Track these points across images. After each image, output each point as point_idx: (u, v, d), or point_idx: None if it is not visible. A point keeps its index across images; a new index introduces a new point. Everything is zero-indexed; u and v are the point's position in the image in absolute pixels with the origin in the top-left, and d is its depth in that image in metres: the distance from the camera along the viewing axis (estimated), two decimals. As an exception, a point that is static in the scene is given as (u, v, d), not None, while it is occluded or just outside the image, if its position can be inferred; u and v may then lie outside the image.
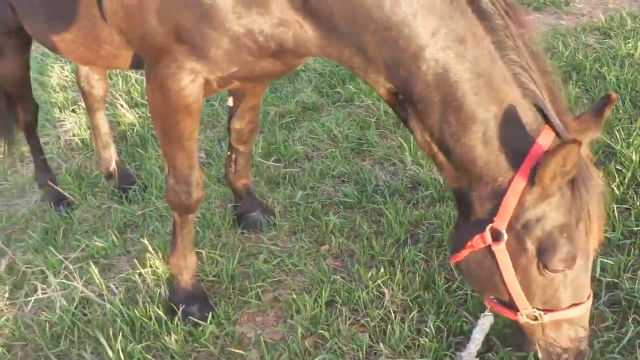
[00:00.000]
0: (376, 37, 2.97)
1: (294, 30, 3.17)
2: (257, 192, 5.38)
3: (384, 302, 4.15)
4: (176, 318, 4.20)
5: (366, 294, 4.20)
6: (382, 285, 4.25)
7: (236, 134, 4.77)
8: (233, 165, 4.95)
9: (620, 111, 5.65)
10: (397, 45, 2.93)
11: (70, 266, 4.76)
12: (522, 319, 3.18)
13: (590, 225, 3.05)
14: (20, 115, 5.70)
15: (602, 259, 4.14)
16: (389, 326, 3.96)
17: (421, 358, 3.73)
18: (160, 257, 4.74)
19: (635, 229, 4.38)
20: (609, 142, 5.15)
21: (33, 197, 6.22)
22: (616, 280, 4.03)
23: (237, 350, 4.01)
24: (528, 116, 2.97)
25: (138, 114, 7.11)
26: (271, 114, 6.64)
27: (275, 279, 4.55)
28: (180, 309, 4.24)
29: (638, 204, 4.56)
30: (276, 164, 5.93)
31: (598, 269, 4.08)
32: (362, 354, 3.85)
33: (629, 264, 4.13)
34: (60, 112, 7.55)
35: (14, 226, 5.77)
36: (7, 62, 5.27)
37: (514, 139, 2.96)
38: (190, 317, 4.22)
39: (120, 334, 4.07)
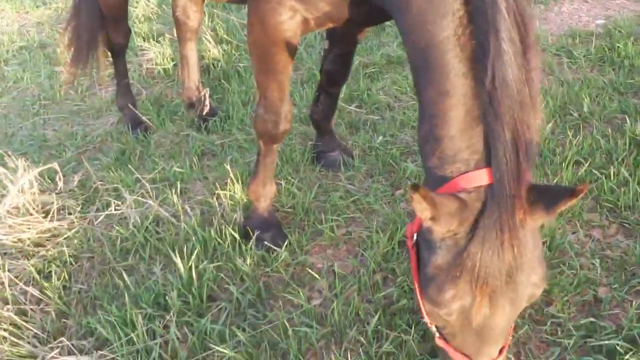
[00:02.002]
0: None
1: None
2: (337, 134, 5.42)
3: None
4: (250, 243, 4.28)
5: (438, 238, 4.21)
6: (457, 229, 4.26)
7: (327, 76, 4.88)
8: (319, 105, 5.05)
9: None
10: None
11: (147, 185, 4.85)
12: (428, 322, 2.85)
13: (479, 287, 2.52)
14: (114, 37, 5.79)
15: None
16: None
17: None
18: (239, 183, 4.80)
19: None
20: None
21: (110, 119, 6.36)
22: None
23: (312, 272, 4.10)
24: (473, 144, 2.62)
25: (223, 49, 7.18)
26: (355, 63, 6.64)
27: (350, 215, 4.60)
28: (255, 234, 4.33)
29: None
30: (358, 110, 5.96)
31: None
32: (432, 292, 3.87)
33: None
34: (144, 41, 7.66)
35: (89, 144, 5.90)
36: None
37: (438, 162, 2.70)
38: (265, 242, 4.31)
39: (194, 253, 4.15)
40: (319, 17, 3.66)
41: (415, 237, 2.78)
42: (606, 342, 3.43)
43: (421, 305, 2.76)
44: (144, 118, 6.03)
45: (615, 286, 3.73)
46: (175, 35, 6.26)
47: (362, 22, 3.95)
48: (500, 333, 2.66)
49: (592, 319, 3.59)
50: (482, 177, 2.55)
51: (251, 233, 4.35)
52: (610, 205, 4.41)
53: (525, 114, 2.50)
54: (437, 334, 2.81)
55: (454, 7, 2.67)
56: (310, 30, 3.86)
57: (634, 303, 3.69)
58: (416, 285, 2.79)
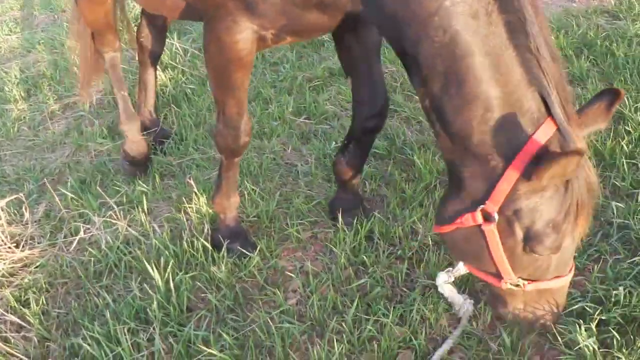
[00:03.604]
0: None
1: None
2: (290, 145, 5.65)
3: (418, 237, 4.43)
4: (222, 251, 4.45)
5: (401, 230, 4.48)
6: (417, 221, 4.53)
7: (361, 117, 4.42)
8: (346, 155, 4.60)
9: (629, 82, 5.89)
10: (409, 7, 2.88)
11: (115, 207, 5.00)
12: (505, 285, 3.20)
13: (579, 216, 3.03)
14: (101, 49, 5.85)
15: (614, 203, 4.45)
16: (425, 255, 4.25)
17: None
18: (203, 197, 4.98)
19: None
20: (619, 107, 5.40)
21: (65, 151, 6.44)
22: (626, 222, 4.31)
23: (287, 273, 4.32)
24: (531, 105, 2.88)
25: (170, 75, 7.37)
26: (299, 78, 6.90)
27: (313, 218, 4.81)
28: (225, 243, 4.50)
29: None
30: (307, 121, 6.20)
31: (610, 211, 4.42)
32: (401, 279, 4.14)
33: (638, 209, 4.40)
34: (92, 73, 7.79)
35: (48, 177, 5.96)
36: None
37: (514, 125, 2.87)
38: (238, 248, 4.48)
39: (169, 265, 4.31)
40: (275, 34, 3.78)
41: (495, 216, 3.01)
42: (575, 306, 3.73)
43: (504, 271, 3.16)
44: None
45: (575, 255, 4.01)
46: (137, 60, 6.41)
47: (319, 30, 4.02)
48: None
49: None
50: (549, 129, 2.87)
51: (222, 242, 4.51)
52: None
53: (558, 70, 2.91)
54: (525, 283, 3.18)
55: None
56: (268, 46, 3.96)
57: (595, 267, 4.03)
58: (498, 260, 3.13)
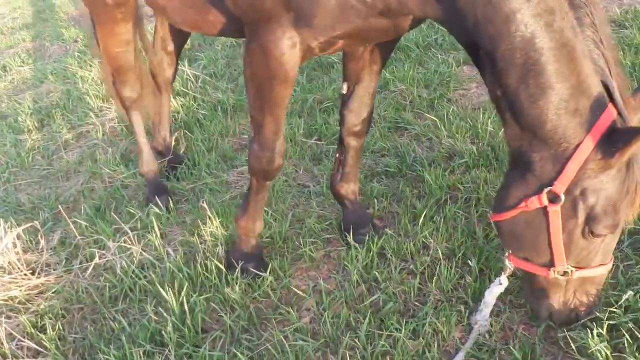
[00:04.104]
0: None
1: None
2: (301, 166, 5.69)
3: (429, 251, 4.45)
4: (235, 272, 4.48)
5: (413, 245, 4.51)
6: (427, 236, 4.56)
7: (350, 126, 4.54)
8: (340, 171, 4.73)
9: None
10: (491, 4, 3.02)
11: (129, 232, 5.05)
12: (553, 274, 3.37)
13: (634, 197, 3.23)
14: (121, 91, 5.76)
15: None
16: (437, 269, 4.27)
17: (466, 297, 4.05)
18: (217, 221, 5.01)
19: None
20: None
21: (79, 179, 6.50)
22: (637, 227, 4.29)
23: (299, 292, 4.34)
24: (598, 92, 3.09)
25: (181, 102, 7.44)
26: (309, 100, 6.95)
27: (326, 237, 4.85)
28: (240, 265, 4.52)
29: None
30: (318, 142, 6.23)
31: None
32: (413, 294, 4.15)
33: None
34: (103, 102, 7.88)
35: (63, 205, 5.99)
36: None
37: (584, 109, 3.07)
38: (251, 269, 4.50)
39: (183, 288, 4.35)
40: (326, 42, 3.66)
41: (562, 197, 3.18)
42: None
43: (559, 256, 3.31)
44: (167, 186, 6.00)
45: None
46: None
47: (380, 36, 3.85)
48: None
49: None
50: (612, 112, 3.10)
51: (236, 264, 4.53)
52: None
53: (616, 60, 3.25)
54: (574, 270, 3.34)
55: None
56: (315, 55, 3.88)
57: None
58: (556, 244, 3.30)
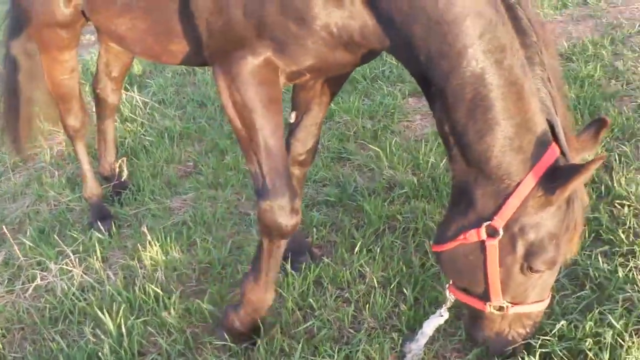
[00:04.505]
0: (425, 29, 3.10)
1: (360, 22, 3.33)
2: (243, 194, 5.79)
3: (365, 280, 4.55)
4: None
5: (349, 274, 4.60)
6: (364, 264, 4.66)
7: (296, 155, 4.46)
8: None
9: (580, 123, 6.04)
10: (445, 40, 3.06)
11: (71, 254, 5.09)
12: (489, 309, 3.45)
13: (573, 234, 3.34)
14: (66, 120, 5.83)
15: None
16: (372, 297, 4.36)
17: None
18: (158, 247, 5.09)
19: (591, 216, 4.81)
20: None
21: (25, 201, 6.51)
22: (573, 258, 4.41)
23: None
24: (542, 130, 3.18)
25: (129, 127, 7.50)
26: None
27: (264, 264, 4.89)
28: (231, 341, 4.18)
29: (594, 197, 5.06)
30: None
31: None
32: (347, 321, 4.24)
33: (585, 245, 4.56)
34: (53, 125, 7.87)
35: (8, 226, 6.00)
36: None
37: (528, 147, 3.16)
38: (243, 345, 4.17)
39: (120, 311, 4.40)
40: (294, 72, 3.59)
41: (500, 231, 3.26)
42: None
43: (494, 291, 3.40)
44: (111, 211, 6.03)
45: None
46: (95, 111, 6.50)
47: (343, 67, 3.84)
48: None
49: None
50: (555, 151, 3.21)
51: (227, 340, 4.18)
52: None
53: (562, 99, 3.37)
54: (510, 306, 3.43)
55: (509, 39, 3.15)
56: (284, 85, 3.72)
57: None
58: (492, 278, 3.37)
